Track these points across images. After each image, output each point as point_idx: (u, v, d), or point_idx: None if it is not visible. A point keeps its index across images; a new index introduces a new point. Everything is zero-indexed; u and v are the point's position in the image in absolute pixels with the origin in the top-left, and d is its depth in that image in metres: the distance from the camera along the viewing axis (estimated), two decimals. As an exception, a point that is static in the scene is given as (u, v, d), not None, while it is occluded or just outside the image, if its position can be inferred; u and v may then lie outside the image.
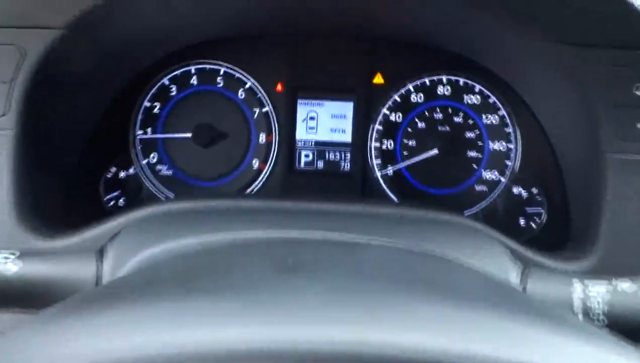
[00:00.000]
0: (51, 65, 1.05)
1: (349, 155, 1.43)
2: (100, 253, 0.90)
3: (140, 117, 1.44)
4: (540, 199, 1.39)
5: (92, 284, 0.88)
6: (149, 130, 1.44)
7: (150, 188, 1.44)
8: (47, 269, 0.87)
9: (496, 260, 0.89)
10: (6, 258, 0.85)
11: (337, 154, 1.44)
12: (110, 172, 1.44)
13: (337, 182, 1.42)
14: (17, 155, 1.04)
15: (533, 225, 1.39)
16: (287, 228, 0.85)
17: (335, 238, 0.84)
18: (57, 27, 1.02)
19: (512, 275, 0.87)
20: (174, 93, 1.45)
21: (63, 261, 0.89)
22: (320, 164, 1.44)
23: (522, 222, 1.40)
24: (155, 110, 1.45)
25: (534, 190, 1.39)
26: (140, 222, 0.95)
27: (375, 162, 1.43)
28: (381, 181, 1.43)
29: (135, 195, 1.45)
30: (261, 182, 1.44)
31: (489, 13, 1.07)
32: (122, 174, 1.45)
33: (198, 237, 0.85)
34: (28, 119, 1.06)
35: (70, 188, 1.29)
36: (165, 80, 1.45)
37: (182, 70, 1.44)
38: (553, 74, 1.13)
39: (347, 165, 1.43)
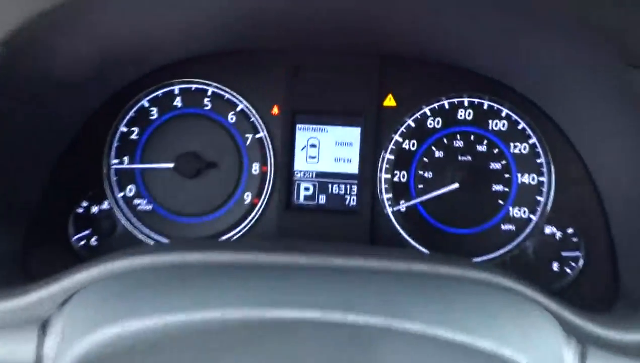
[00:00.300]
0: (13, 83, 0.86)
1: (355, 188, 1.24)
2: (44, 328, 0.72)
3: (115, 144, 1.26)
4: (576, 241, 1.20)
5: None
6: (125, 159, 1.26)
7: (126, 225, 1.25)
8: None
9: (547, 340, 0.70)
10: None
11: (342, 187, 1.25)
12: (80, 207, 1.25)
13: (341, 219, 1.23)
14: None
15: (568, 270, 1.20)
16: (279, 306, 0.66)
17: (337, 320, 0.65)
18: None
19: (568, 357, 0.69)
20: (154, 116, 1.26)
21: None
22: (323, 199, 1.25)
23: (555, 266, 1.21)
24: (133, 136, 1.26)
25: (570, 231, 1.20)
26: (96, 286, 0.76)
27: (386, 196, 1.24)
28: (392, 219, 1.23)
29: (109, 233, 1.26)
30: (254, 219, 1.25)
31: (539, 25, 0.88)
32: (94, 210, 1.26)
33: (164, 316, 0.66)
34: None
35: (32, 228, 1.10)
36: (145, 102, 1.26)
37: (164, 90, 1.26)
38: (610, 99, 0.94)
39: (354, 200, 1.24)
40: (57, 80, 1.00)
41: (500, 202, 1.22)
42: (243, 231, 1.25)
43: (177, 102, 1.26)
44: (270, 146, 1.25)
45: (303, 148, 1.25)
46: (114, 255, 0.81)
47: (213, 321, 0.66)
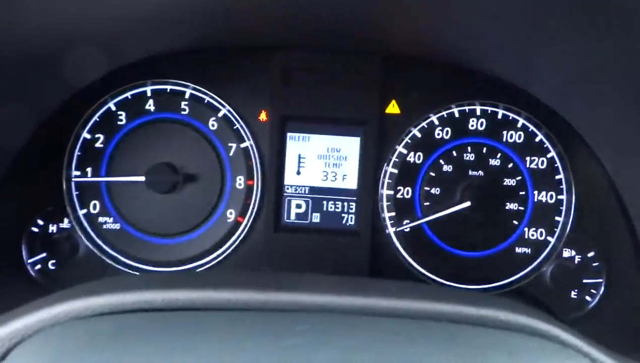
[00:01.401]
0: None
1: (353, 206, 1.10)
2: None
3: (77, 153, 1.09)
4: (598, 266, 1.08)
5: None
6: (89, 170, 1.09)
7: (89, 247, 1.09)
8: None
9: None
10: None
11: (338, 204, 1.10)
12: (35, 226, 1.08)
13: (338, 241, 1.09)
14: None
15: (588, 298, 1.09)
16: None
17: None
18: None
19: None
20: (123, 122, 1.09)
21: None
22: (316, 217, 1.11)
23: (574, 294, 1.09)
24: (98, 144, 1.09)
25: (591, 254, 1.08)
26: (50, 333, 0.61)
27: (388, 215, 1.10)
28: (395, 240, 1.10)
29: (70, 256, 1.09)
30: (239, 240, 1.10)
31: (575, 27, 0.76)
32: (51, 229, 1.09)
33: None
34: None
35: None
36: (112, 105, 1.09)
37: (134, 91, 1.09)
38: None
39: (352, 219, 1.10)
40: (19, 73, 0.83)
41: (515, 222, 1.10)
42: (225, 253, 1.10)
43: (150, 105, 1.10)
44: (256, 157, 1.10)
45: (294, 159, 1.10)
46: (62, 294, 0.65)
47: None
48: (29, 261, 1.08)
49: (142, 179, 1.06)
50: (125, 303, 0.62)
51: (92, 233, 1.09)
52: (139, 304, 0.63)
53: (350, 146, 1.10)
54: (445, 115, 1.09)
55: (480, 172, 1.09)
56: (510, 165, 1.09)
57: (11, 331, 0.62)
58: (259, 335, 0.57)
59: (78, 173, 1.09)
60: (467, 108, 1.09)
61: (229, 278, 0.71)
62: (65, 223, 1.09)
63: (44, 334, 0.62)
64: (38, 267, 1.09)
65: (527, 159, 1.09)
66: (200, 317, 0.61)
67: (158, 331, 0.59)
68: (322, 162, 1.10)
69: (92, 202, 1.09)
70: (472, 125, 1.10)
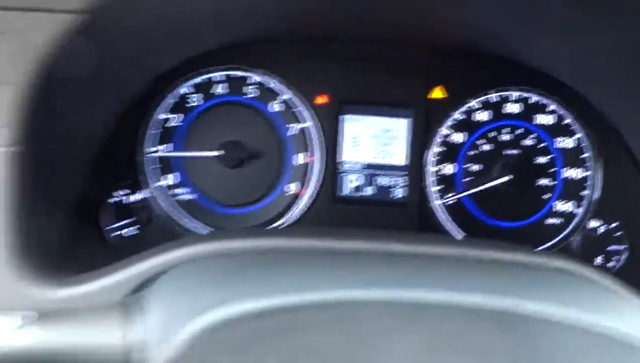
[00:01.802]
0: (58, 64, 0.81)
1: (402, 180, 1.23)
2: (128, 313, 0.67)
3: (155, 131, 1.21)
4: (621, 235, 1.21)
5: (120, 355, 0.66)
6: (165, 146, 1.21)
7: (167, 214, 1.20)
8: (66, 335, 0.65)
9: None
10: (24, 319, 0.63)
11: (389, 179, 1.23)
12: (115, 197, 1.20)
13: (388, 211, 1.22)
14: (16, 179, 0.79)
15: (612, 264, 1.21)
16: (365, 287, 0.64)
17: (404, 299, 0.63)
18: (75, 10, 0.78)
19: None
20: (195, 104, 1.22)
21: (86, 324, 0.66)
22: (369, 191, 1.23)
23: (598, 260, 1.21)
24: (174, 124, 1.21)
25: (615, 224, 1.21)
26: (179, 272, 0.72)
27: (433, 189, 1.23)
28: (440, 211, 1.22)
29: (147, 224, 1.21)
30: (297, 211, 1.22)
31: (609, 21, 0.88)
32: (131, 199, 1.21)
33: (270, 299, 0.63)
34: (27, 133, 0.81)
35: (72, 219, 1.04)
36: (186, 88, 1.22)
37: (206, 76, 1.22)
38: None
39: (401, 192, 1.23)
40: (118, 61, 0.95)
41: (546, 196, 1.22)
42: (287, 222, 1.22)
43: (220, 89, 1.22)
44: (315, 136, 1.22)
45: (349, 139, 1.23)
46: (185, 240, 0.77)
47: (312, 303, 0.63)
48: (107, 228, 1.19)
49: (214, 153, 1.19)
50: (259, 246, 0.74)
51: (168, 203, 1.21)
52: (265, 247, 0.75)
53: (399, 127, 1.23)
54: (484, 100, 1.23)
55: (515, 151, 1.22)
56: (542, 144, 1.22)
57: (152, 266, 0.74)
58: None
59: (156, 148, 1.21)
60: (504, 94, 1.22)
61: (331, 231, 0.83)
62: (143, 195, 1.21)
63: (180, 268, 0.73)
64: (118, 233, 1.20)
65: (557, 139, 1.22)
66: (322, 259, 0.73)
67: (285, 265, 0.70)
68: (374, 141, 1.23)
69: (169, 175, 1.21)
70: (508, 109, 1.23)
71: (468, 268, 0.74)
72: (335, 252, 0.75)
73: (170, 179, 1.21)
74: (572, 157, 1.22)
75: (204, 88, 1.22)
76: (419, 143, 1.22)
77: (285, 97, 1.22)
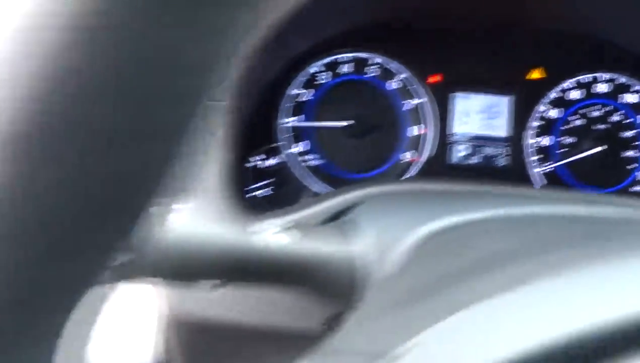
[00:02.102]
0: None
1: (505, 150, 1.39)
2: (343, 228, 0.83)
3: (288, 104, 1.37)
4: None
5: (347, 263, 0.81)
6: (297, 118, 1.38)
7: (299, 178, 1.37)
8: (309, 242, 0.80)
9: None
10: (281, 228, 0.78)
11: (493, 149, 1.39)
12: (250, 161, 1.36)
13: (492, 178, 1.38)
14: (230, 133, 0.96)
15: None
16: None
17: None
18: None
19: None
20: (323, 81, 1.39)
21: (317, 236, 0.82)
22: (475, 159, 1.40)
23: (677, 223, 1.37)
24: (304, 98, 1.38)
25: (692, 192, 1.38)
26: (389, 197, 0.88)
27: (532, 158, 1.39)
28: (537, 178, 1.39)
29: (281, 186, 1.37)
30: (412, 176, 1.39)
31: None
32: (265, 164, 1.37)
33: (475, 212, 0.79)
34: (237, 93, 0.98)
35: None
36: (315, 67, 1.38)
37: (334, 57, 1.39)
38: None
39: (504, 161, 1.39)
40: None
41: (630, 166, 1.39)
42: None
43: (345, 68, 1.39)
44: (428, 111, 1.39)
45: (458, 113, 1.40)
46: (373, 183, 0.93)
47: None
48: (249, 188, 1.36)
49: (343, 123, 1.35)
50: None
51: (300, 168, 1.37)
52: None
53: (502, 104, 1.39)
54: (577, 80, 1.40)
55: (603, 126, 1.39)
56: (628, 121, 1.39)
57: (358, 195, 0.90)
58: None
59: (289, 119, 1.38)
60: (597, 74, 1.39)
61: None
62: (278, 159, 1.37)
63: (380, 196, 0.89)
64: (253, 194, 1.36)
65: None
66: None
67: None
68: (480, 115, 1.40)
69: (300, 143, 1.38)
70: (598, 89, 1.40)
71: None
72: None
73: (300, 147, 1.38)
74: (655, 132, 1.39)
75: (331, 67, 1.39)
76: (519, 118, 1.39)
77: (402, 76, 1.39)
